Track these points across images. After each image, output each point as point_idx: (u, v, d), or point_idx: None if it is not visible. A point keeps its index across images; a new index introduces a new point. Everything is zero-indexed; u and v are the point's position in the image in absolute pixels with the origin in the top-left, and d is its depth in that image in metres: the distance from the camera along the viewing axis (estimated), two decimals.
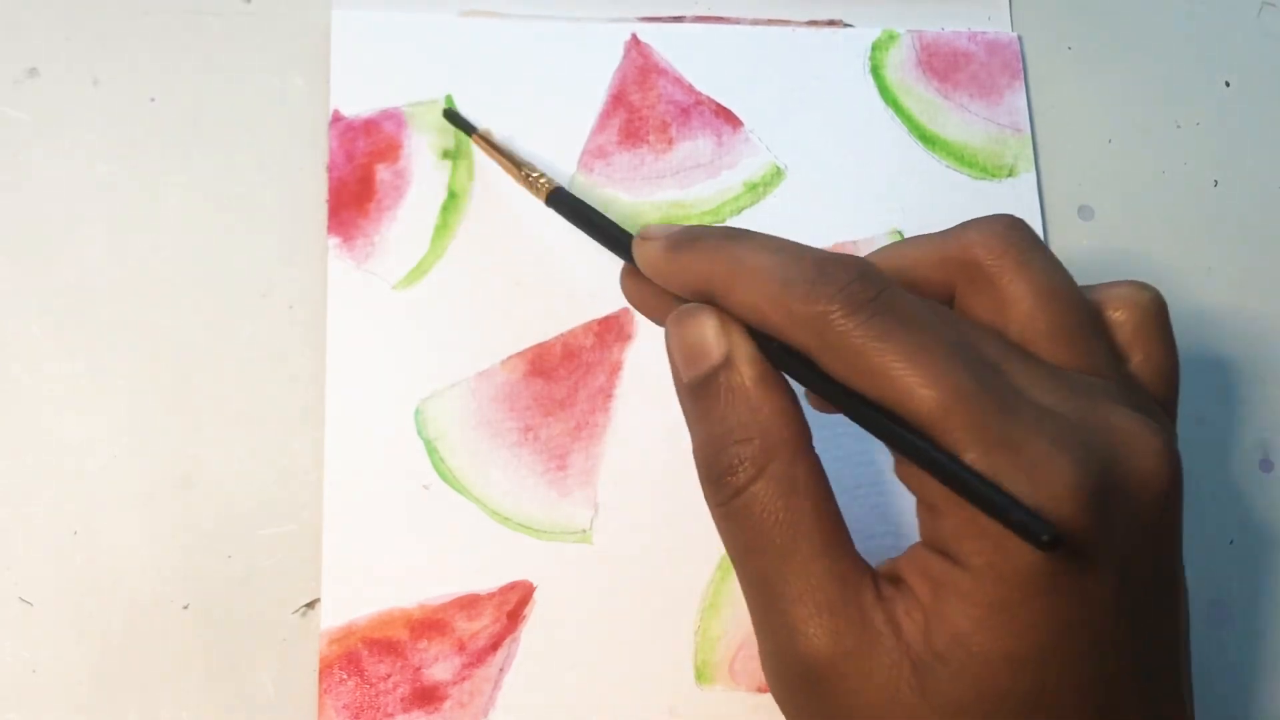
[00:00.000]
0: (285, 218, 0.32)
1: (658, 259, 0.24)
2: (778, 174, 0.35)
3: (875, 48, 0.37)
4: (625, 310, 0.33)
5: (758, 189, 0.35)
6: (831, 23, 0.37)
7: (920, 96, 0.36)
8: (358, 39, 0.34)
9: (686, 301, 0.24)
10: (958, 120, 0.36)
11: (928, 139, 0.36)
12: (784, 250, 0.22)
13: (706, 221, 0.34)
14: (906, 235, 0.35)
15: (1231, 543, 0.34)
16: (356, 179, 0.33)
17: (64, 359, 0.31)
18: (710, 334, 0.23)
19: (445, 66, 0.34)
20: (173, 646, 0.29)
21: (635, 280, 0.26)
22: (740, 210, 0.34)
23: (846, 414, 0.22)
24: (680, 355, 0.24)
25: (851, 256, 0.22)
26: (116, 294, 0.31)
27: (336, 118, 0.33)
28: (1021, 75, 0.37)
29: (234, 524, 0.30)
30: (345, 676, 0.29)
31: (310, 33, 0.34)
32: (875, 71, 0.36)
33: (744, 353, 0.23)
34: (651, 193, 0.34)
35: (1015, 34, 0.38)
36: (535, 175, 0.31)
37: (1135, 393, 0.24)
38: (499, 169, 0.33)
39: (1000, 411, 0.20)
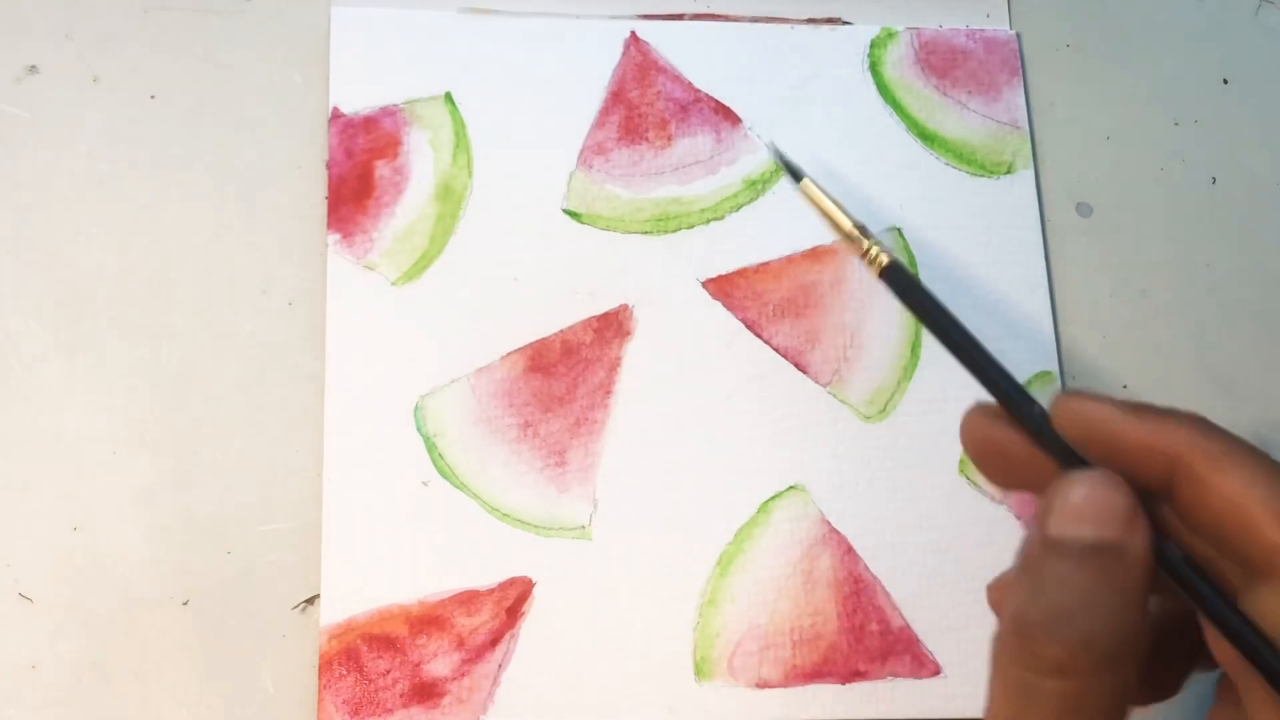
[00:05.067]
0: (285, 214, 0.32)
1: (1112, 416, 0.22)
2: (776, 171, 0.35)
3: (874, 45, 0.37)
4: (624, 306, 0.33)
5: (756, 186, 0.35)
6: (830, 20, 0.37)
7: (919, 94, 0.36)
8: (357, 36, 0.34)
9: (1074, 467, 0.22)
10: (956, 117, 0.36)
11: (926, 136, 0.36)
12: (1275, 463, 0.20)
13: (706, 218, 0.34)
14: (905, 232, 0.35)
15: None
16: (356, 176, 0.33)
17: (64, 357, 0.31)
18: (1123, 505, 0.21)
19: (445, 63, 0.34)
20: (172, 642, 0.29)
21: (995, 430, 0.23)
22: (739, 207, 0.34)
23: (1240, 648, 0.20)
24: (1065, 506, 0.21)
25: None
26: (116, 292, 0.31)
27: (336, 115, 0.33)
28: (1020, 72, 0.37)
29: (234, 520, 0.30)
30: (345, 672, 0.29)
31: (310, 30, 0.34)
32: (874, 69, 0.36)
33: (1144, 548, 0.21)
34: (650, 189, 0.34)
35: (1014, 31, 0.38)
36: (868, 246, 0.26)
37: None
38: (500, 168, 0.33)
39: None
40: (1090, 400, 0.22)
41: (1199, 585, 0.21)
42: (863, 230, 0.26)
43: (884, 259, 0.26)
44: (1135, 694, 0.20)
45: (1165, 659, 0.23)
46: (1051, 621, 0.20)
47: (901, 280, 0.26)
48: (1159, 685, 0.24)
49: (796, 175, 0.28)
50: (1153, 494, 0.22)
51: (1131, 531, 0.20)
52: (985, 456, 0.24)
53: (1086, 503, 0.21)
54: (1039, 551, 0.21)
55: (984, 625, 0.31)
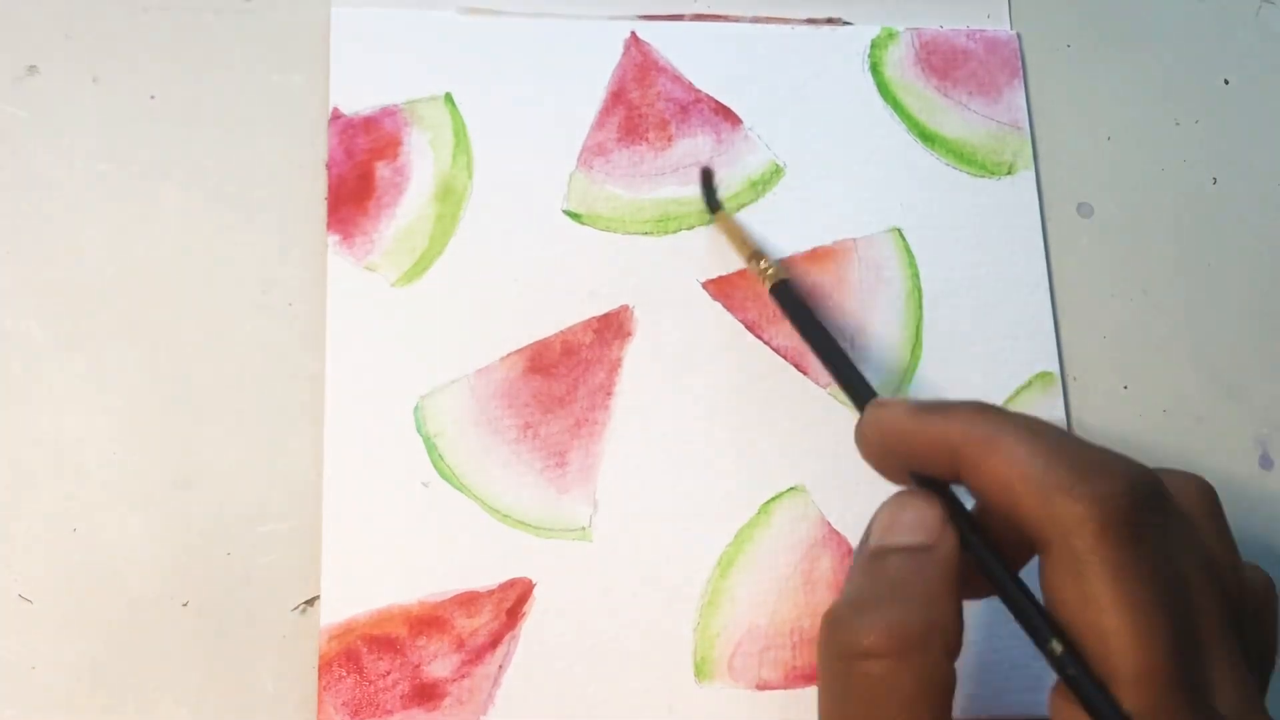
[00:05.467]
0: (285, 215, 0.32)
1: (902, 418, 0.24)
2: (777, 172, 0.35)
3: (874, 45, 0.37)
4: (625, 307, 0.33)
5: (757, 186, 0.35)
6: (830, 20, 0.37)
7: (919, 94, 0.36)
8: (357, 36, 0.34)
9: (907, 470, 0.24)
10: (957, 118, 0.36)
11: (927, 137, 0.36)
12: (1050, 434, 0.22)
13: (707, 219, 0.34)
14: (905, 233, 0.35)
15: None
16: (356, 176, 0.33)
17: (64, 357, 0.31)
18: (930, 515, 0.23)
19: (445, 64, 0.34)
20: (172, 644, 0.29)
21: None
22: (740, 208, 0.34)
23: (1029, 633, 0.21)
24: (884, 522, 0.24)
25: (1126, 463, 0.21)
26: (116, 292, 0.31)
27: (336, 115, 0.33)
28: (1020, 73, 0.37)
29: (233, 521, 0.30)
30: (345, 673, 0.29)
31: (310, 30, 0.34)
32: (874, 69, 0.36)
33: (951, 550, 0.23)
34: (651, 190, 0.34)
35: (1014, 31, 0.38)
36: (764, 265, 0.31)
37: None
38: (500, 169, 0.33)
39: (1186, 707, 0.20)
40: (885, 407, 0.25)
41: (995, 575, 0.23)
42: (758, 255, 0.32)
43: (777, 275, 0.31)
44: (949, 678, 0.21)
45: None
46: (860, 610, 0.22)
47: (787, 298, 0.31)
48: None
49: (714, 207, 0.34)
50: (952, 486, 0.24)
51: (941, 537, 0.23)
52: (877, 463, 0.26)
53: (903, 516, 0.23)
54: (862, 561, 0.23)
55: (984, 626, 0.31)
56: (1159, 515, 0.21)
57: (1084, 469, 0.21)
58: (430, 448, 0.31)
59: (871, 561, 0.23)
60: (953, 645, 0.22)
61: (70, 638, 0.29)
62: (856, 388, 0.28)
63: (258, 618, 0.29)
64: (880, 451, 0.25)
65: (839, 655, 0.22)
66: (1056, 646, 0.21)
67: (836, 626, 0.22)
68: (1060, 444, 0.21)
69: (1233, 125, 0.38)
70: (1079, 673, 0.20)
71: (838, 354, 0.29)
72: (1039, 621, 0.21)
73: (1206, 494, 0.24)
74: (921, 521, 0.23)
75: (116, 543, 0.29)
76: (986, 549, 0.23)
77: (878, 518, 0.24)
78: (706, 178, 0.34)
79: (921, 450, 0.24)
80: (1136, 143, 0.37)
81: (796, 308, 0.30)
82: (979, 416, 0.23)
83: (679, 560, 0.31)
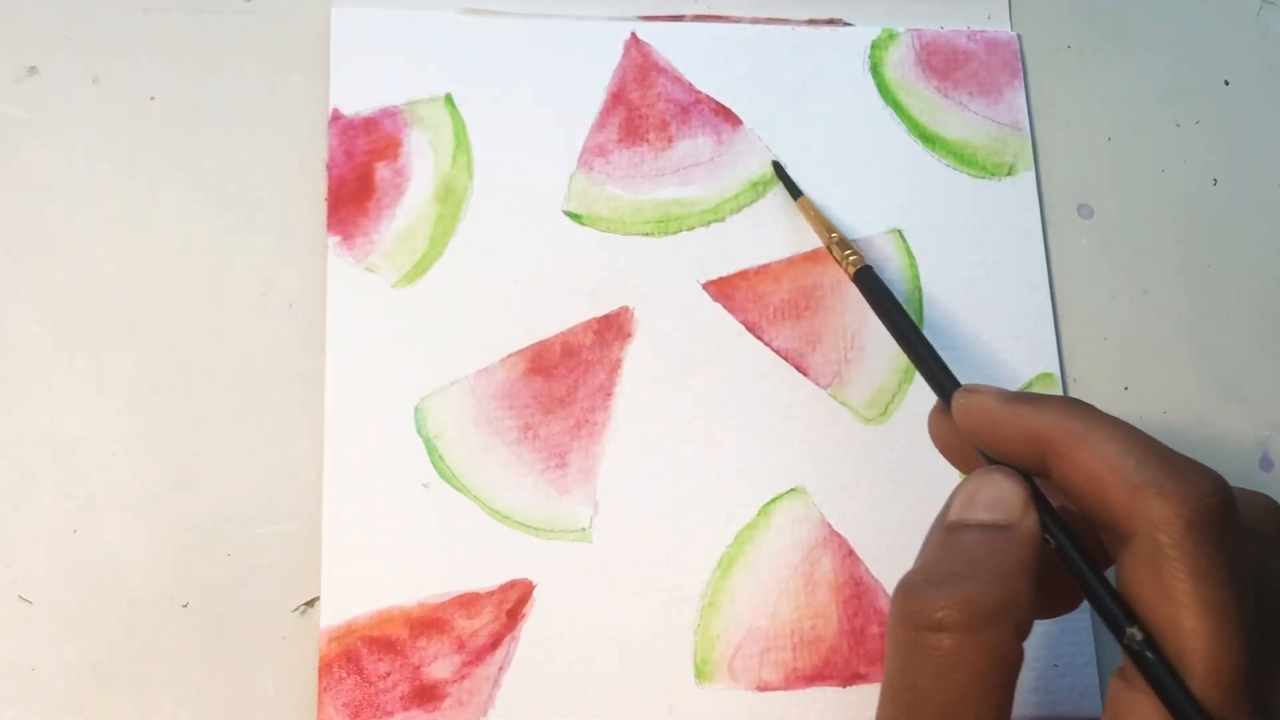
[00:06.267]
0: (285, 216, 0.32)
1: (993, 406, 0.24)
2: None
3: (875, 46, 0.37)
4: (625, 308, 0.33)
5: (758, 187, 0.35)
6: (831, 21, 0.37)
7: (920, 95, 0.36)
8: (357, 37, 0.34)
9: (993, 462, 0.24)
10: (957, 119, 0.36)
11: (927, 138, 0.36)
12: (1139, 434, 0.22)
13: (707, 220, 0.34)
14: (906, 234, 0.35)
15: None
16: (356, 177, 0.33)
17: (64, 358, 0.31)
18: (1013, 494, 0.23)
19: (445, 65, 0.34)
20: (172, 645, 0.29)
21: (946, 421, 0.26)
22: (740, 209, 0.34)
23: (1106, 622, 0.22)
24: (965, 497, 0.24)
25: (1209, 469, 0.22)
26: (116, 293, 0.31)
27: (336, 116, 0.33)
28: (1021, 74, 0.37)
29: (234, 522, 0.30)
30: (345, 675, 0.29)
31: (310, 31, 0.34)
32: (875, 70, 0.36)
33: (1032, 530, 0.23)
34: (651, 191, 0.34)
35: (1015, 32, 0.38)
36: (848, 253, 0.32)
37: None
38: (500, 170, 0.33)
39: (1253, 710, 0.20)
40: (975, 394, 0.25)
41: (1074, 561, 0.23)
42: (843, 241, 0.32)
43: (859, 262, 0.31)
44: (1018, 656, 0.22)
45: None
46: (935, 582, 0.22)
47: (871, 283, 0.30)
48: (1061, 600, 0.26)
49: (795, 193, 0.34)
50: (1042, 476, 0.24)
51: (1023, 516, 0.23)
52: (948, 450, 0.27)
53: (985, 494, 0.23)
54: (939, 534, 0.24)
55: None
56: (1238, 524, 0.21)
57: (1174, 470, 0.21)
58: (430, 449, 0.31)
59: (949, 534, 0.23)
60: (1025, 625, 0.22)
61: (70, 638, 0.29)
62: (938, 375, 0.28)
63: (258, 619, 0.29)
64: (968, 438, 0.26)
65: (910, 625, 0.22)
66: (1136, 633, 0.21)
67: (909, 596, 0.22)
68: (1151, 445, 0.22)
69: (1233, 126, 0.38)
70: (1158, 659, 0.20)
71: (920, 341, 0.29)
72: (1117, 608, 0.21)
73: (1274, 513, 0.24)
74: (1002, 499, 0.23)
75: (116, 543, 0.29)
76: (1064, 532, 0.23)
77: (959, 492, 0.24)
78: (779, 170, 0.34)
79: (1011, 438, 0.24)
80: (1137, 144, 0.37)
81: (880, 294, 0.30)
82: (1073, 410, 0.23)
83: (679, 561, 0.31)
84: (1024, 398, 0.24)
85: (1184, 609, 0.20)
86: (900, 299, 0.30)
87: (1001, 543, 0.23)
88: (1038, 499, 0.23)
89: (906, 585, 0.22)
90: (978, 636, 0.21)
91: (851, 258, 0.31)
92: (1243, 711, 0.20)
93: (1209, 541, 0.20)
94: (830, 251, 0.33)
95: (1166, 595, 0.20)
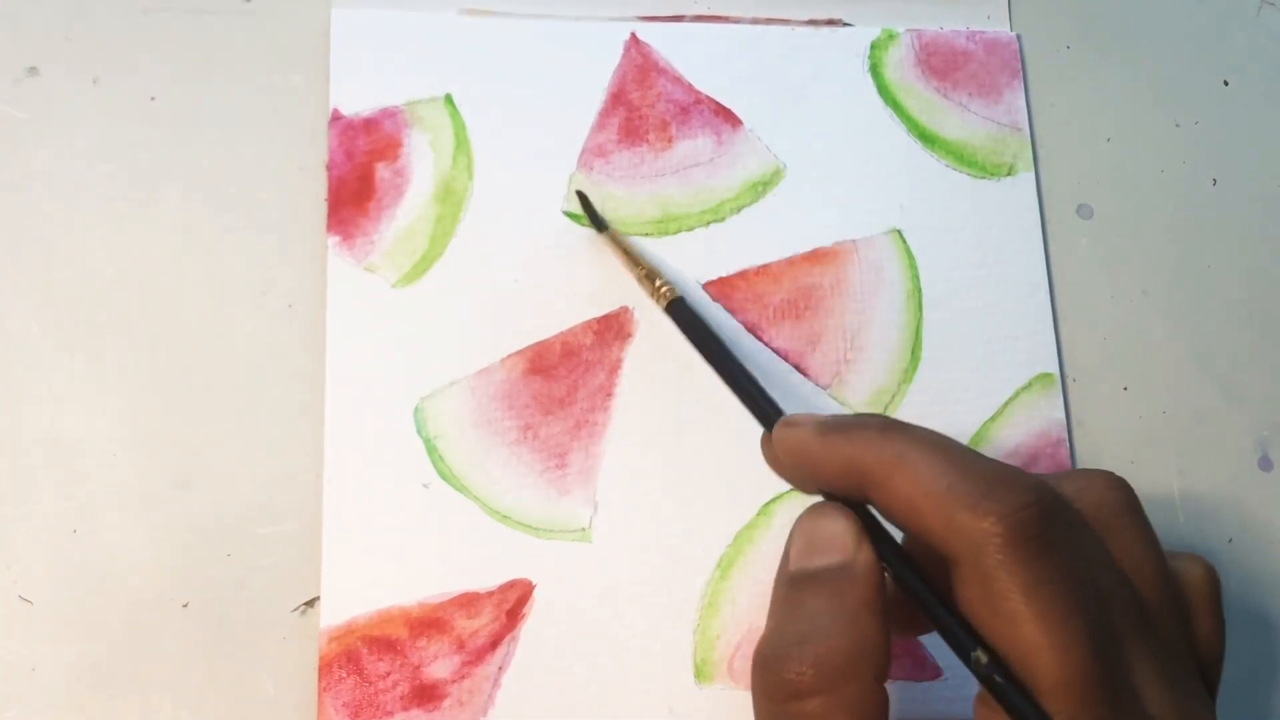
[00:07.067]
0: (285, 217, 0.32)
1: (808, 440, 0.24)
2: (777, 173, 0.35)
3: (874, 47, 0.37)
4: (625, 308, 0.33)
5: (757, 188, 0.35)
6: (831, 22, 0.37)
7: (919, 96, 0.36)
8: (357, 37, 0.34)
9: (822, 490, 0.24)
10: (957, 119, 0.36)
11: (927, 138, 0.36)
12: (952, 451, 0.22)
13: (707, 220, 0.34)
14: (905, 234, 0.35)
15: (1230, 541, 0.34)
16: (356, 178, 0.33)
17: (64, 358, 0.31)
18: (843, 531, 0.23)
19: (445, 65, 0.34)
20: (172, 645, 0.29)
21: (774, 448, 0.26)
22: (740, 209, 0.34)
23: (952, 646, 0.21)
24: (801, 543, 0.23)
25: (1026, 476, 0.21)
26: (116, 293, 0.31)
27: (336, 116, 0.33)
28: (1020, 74, 0.37)
29: (234, 522, 0.30)
30: (345, 675, 0.29)
31: (310, 31, 0.34)
32: (874, 70, 0.36)
33: (868, 565, 0.22)
34: (651, 191, 0.34)
35: (1014, 33, 0.38)
36: (659, 284, 0.31)
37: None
38: (500, 170, 0.33)
39: (1111, 711, 0.20)
40: (793, 427, 0.25)
41: (914, 589, 0.22)
42: (652, 273, 0.31)
43: (671, 294, 0.30)
44: (882, 700, 0.21)
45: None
46: (784, 650, 0.22)
47: (685, 315, 0.30)
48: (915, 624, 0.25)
49: (600, 227, 0.33)
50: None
51: (857, 551, 0.22)
52: (783, 473, 0.26)
53: (817, 535, 0.23)
54: (783, 590, 0.23)
55: None
56: (1063, 525, 0.21)
57: (986, 485, 0.21)
58: (430, 449, 0.31)
59: (791, 591, 0.23)
60: (882, 668, 0.22)
61: (70, 638, 0.29)
62: (762, 406, 0.27)
63: (258, 619, 0.29)
64: (790, 475, 0.25)
65: (772, 698, 0.22)
66: (981, 656, 0.21)
67: (765, 668, 0.22)
68: (963, 460, 0.21)
69: (1232, 126, 0.38)
70: (1004, 680, 0.20)
71: (739, 371, 0.28)
72: (961, 631, 0.21)
73: (1117, 490, 0.23)
74: (834, 537, 0.23)
75: (116, 543, 0.29)
76: (901, 560, 0.23)
77: (793, 538, 0.24)
78: (584, 200, 0.33)
79: (829, 472, 0.23)
80: (1136, 144, 0.37)
81: (693, 325, 0.30)
82: (881, 436, 0.22)
83: (679, 561, 0.31)
84: (838, 426, 0.24)
85: (1021, 626, 0.20)
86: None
87: (842, 585, 0.22)
88: (872, 529, 0.23)
89: (760, 658, 0.22)
90: (839, 694, 0.21)
91: (663, 289, 0.30)
92: (1096, 714, 0.19)
93: (1033, 553, 0.20)
94: (640, 285, 0.32)
95: (1002, 614, 0.20)
